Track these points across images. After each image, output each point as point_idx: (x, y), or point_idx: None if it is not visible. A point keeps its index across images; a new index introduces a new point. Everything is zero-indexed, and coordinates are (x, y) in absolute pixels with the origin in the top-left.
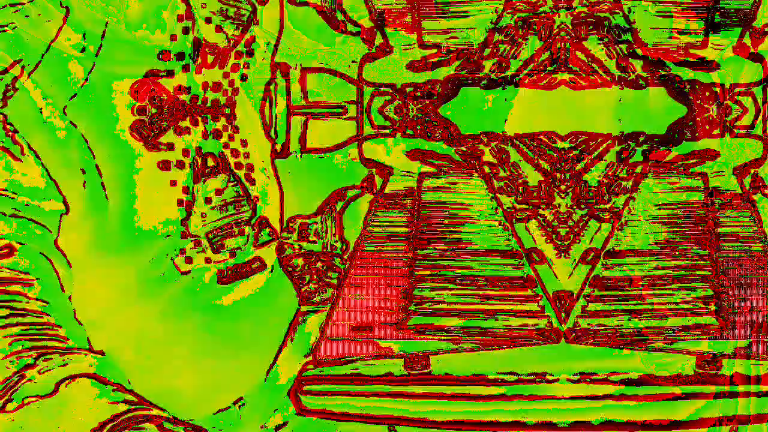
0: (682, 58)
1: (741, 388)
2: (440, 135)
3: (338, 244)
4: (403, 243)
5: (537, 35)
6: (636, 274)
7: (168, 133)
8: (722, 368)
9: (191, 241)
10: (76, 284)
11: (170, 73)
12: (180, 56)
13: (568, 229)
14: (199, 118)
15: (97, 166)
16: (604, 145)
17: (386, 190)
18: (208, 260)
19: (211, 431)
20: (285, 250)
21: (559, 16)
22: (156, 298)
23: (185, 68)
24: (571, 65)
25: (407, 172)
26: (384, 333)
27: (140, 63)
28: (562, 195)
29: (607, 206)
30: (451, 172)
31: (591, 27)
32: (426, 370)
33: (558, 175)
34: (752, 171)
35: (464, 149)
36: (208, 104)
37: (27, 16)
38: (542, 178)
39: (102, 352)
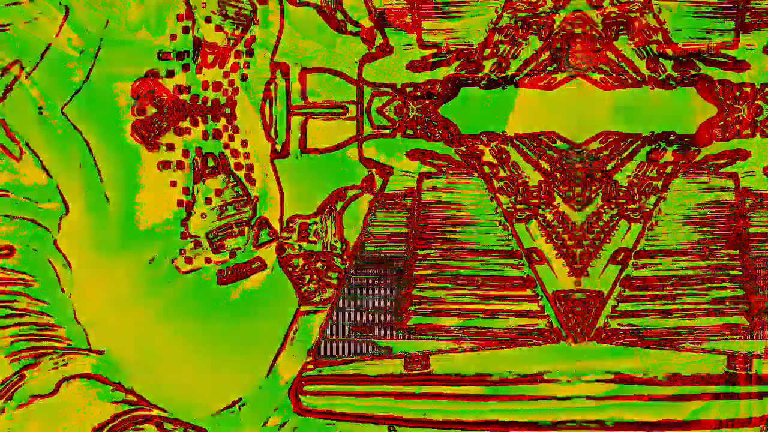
0: (713, 58)
1: None
2: (440, 135)
3: (338, 244)
4: (403, 243)
5: (537, 35)
6: (666, 274)
7: (168, 134)
8: (752, 368)
9: (191, 241)
10: (76, 284)
11: (170, 73)
12: (180, 56)
13: (599, 229)
14: (199, 119)
15: (97, 167)
16: (635, 145)
17: (386, 190)
18: (208, 260)
19: (211, 431)
20: (285, 250)
21: (559, 16)
22: (156, 299)
23: (185, 68)
24: (602, 65)
25: (407, 172)
26: (384, 333)
27: (140, 63)
28: (593, 195)
29: (638, 206)
30: (451, 172)
31: (621, 27)
32: (426, 370)
33: (558, 175)
34: None
35: (464, 149)
36: (209, 104)
37: (27, 17)
38: (542, 178)
39: (102, 352)
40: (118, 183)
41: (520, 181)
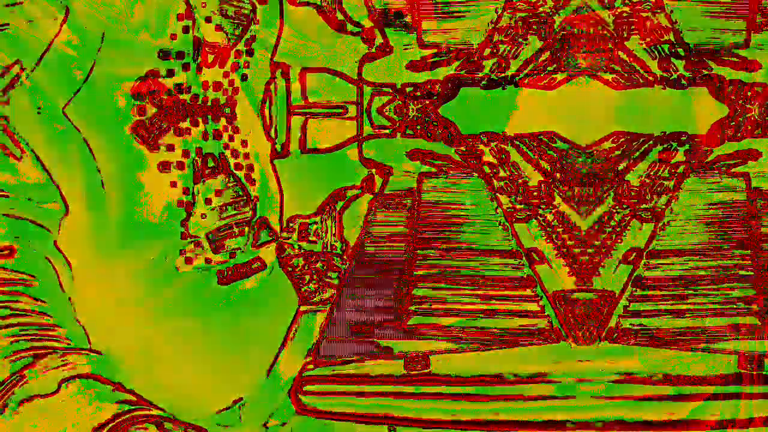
0: (725, 58)
1: None
2: (440, 135)
3: (338, 244)
4: (403, 243)
5: (537, 35)
6: (677, 274)
7: (168, 134)
8: (764, 368)
9: (191, 241)
10: (76, 284)
11: (170, 73)
12: (180, 55)
13: (610, 229)
14: (200, 119)
15: (97, 167)
16: (646, 145)
17: (386, 190)
18: (208, 261)
19: (212, 431)
20: (285, 250)
21: (559, 16)
22: (156, 299)
23: (185, 67)
24: (614, 65)
25: (407, 172)
26: (384, 333)
27: (140, 63)
28: (605, 195)
29: (649, 206)
30: (451, 172)
31: (633, 27)
32: (426, 370)
33: (558, 175)
34: None
35: (464, 149)
36: (209, 104)
37: (27, 17)
38: (542, 178)
39: (102, 352)
40: (118, 183)
41: (520, 181)
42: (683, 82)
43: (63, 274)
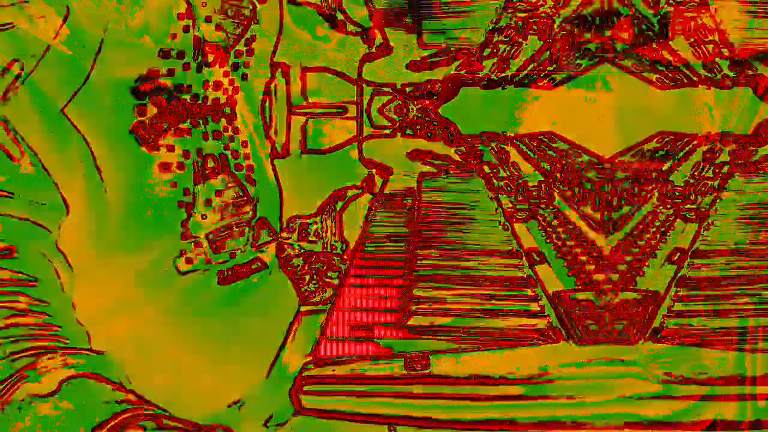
0: None
1: None
2: (440, 135)
3: (338, 244)
4: (403, 243)
5: (537, 35)
6: (722, 274)
7: (168, 134)
8: None
9: (191, 242)
10: (76, 285)
11: (171, 73)
12: (180, 55)
13: (654, 229)
14: (200, 120)
15: (97, 167)
16: (690, 145)
17: (386, 190)
18: (208, 261)
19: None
20: (285, 250)
21: (559, 16)
22: (156, 299)
23: (185, 67)
24: (659, 65)
25: (407, 172)
26: (384, 333)
27: (140, 63)
28: (649, 195)
29: (694, 206)
30: (451, 172)
31: (678, 27)
32: (426, 370)
33: (558, 175)
34: None
35: (464, 149)
36: (209, 103)
37: (27, 17)
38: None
39: (102, 352)
40: (119, 183)
41: (520, 181)
42: (728, 82)
43: (63, 274)
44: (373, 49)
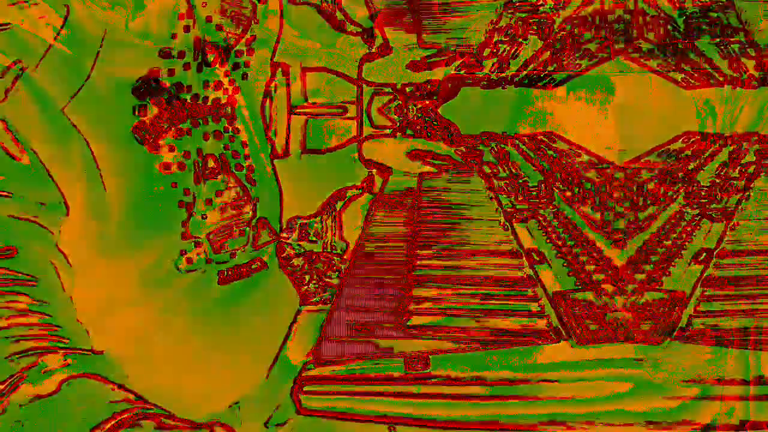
0: None
1: None
2: (440, 135)
3: (338, 245)
4: (402, 243)
5: (537, 35)
6: (749, 274)
7: (169, 134)
8: None
9: (192, 242)
10: (76, 285)
11: (171, 73)
12: (181, 55)
13: (680, 229)
14: (200, 120)
15: (97, 167)
16: (716, 145)
17: (386, 190)
18: (208, 261)
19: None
20: (285, 250)
21: (559, 16)
22: (156, 299)
23: (186, 67)
24: (684, 65)
25: (407, 172)
26: (384, 333)
27: (141, 62)
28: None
29: (720, 206)
30: (451, 172)
31: (703, 26)
32: (426, 370)
33: (558, 175)
34: None
35: (464, 149)
36: (209, 103)
37: (27, 17)
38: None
39: (102, 352)
40: (119, 183)
41: (520, 181)
42: (754, 82)
43: (63, 274)
44: (374, 49)
